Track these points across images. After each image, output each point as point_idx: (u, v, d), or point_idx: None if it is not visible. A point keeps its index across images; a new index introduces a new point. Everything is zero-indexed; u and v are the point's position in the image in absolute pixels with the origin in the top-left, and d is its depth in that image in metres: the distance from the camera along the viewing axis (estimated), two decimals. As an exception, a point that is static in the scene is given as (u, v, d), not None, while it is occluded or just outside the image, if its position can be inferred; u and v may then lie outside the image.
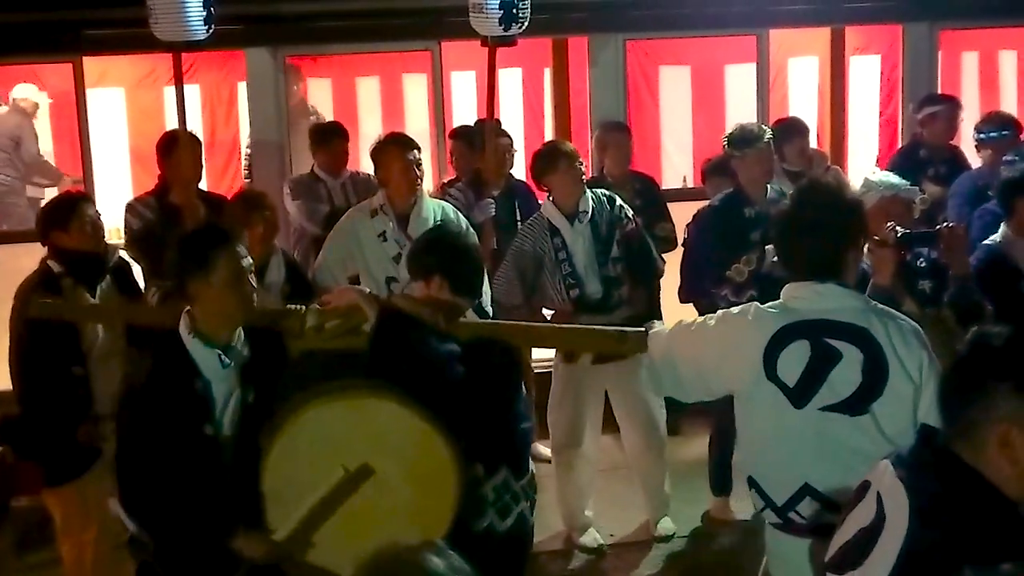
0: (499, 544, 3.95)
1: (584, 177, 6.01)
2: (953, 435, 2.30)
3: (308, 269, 6.06)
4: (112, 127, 9.31)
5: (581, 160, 6.01)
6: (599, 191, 6.06)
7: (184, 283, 3.59)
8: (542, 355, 6.81)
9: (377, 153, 5.93)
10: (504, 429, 3.98)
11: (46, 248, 5.02)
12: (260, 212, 5.58)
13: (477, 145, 7.07)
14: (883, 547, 2.26)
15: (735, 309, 3.62)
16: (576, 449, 5.99)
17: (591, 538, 6.09)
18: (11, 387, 5.00)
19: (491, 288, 5.66)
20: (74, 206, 5.01)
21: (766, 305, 3.52)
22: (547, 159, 6.00)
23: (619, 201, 6.04)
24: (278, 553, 3.57)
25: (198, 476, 3.52)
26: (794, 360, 3.39)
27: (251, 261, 3.69)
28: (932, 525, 2.19)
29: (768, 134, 6.08)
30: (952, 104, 7.52)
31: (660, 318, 6.00)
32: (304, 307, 3.89)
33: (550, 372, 6.22)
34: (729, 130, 6.22)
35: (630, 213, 6.06)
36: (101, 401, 4.89)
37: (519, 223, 6.51)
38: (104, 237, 5.09)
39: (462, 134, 7.37)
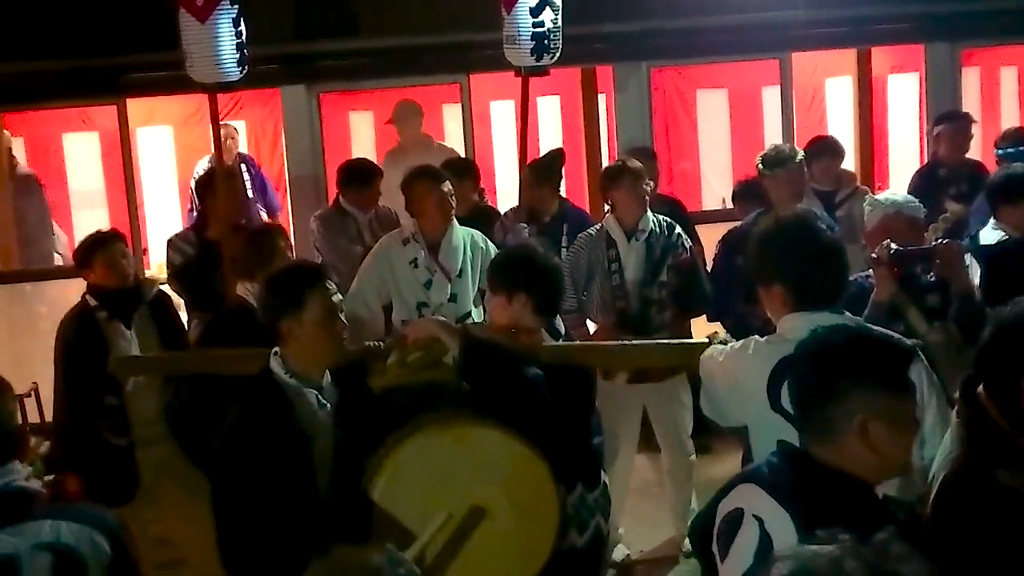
0: (578, 558, 3.97)
1: (648, 197, 6.07)
2: (810, 439, 2.45)
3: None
4: (161, 164, 9.64)
5: (649, 181, 6.08)
6: (661, 217, 6.14)
7: (276, 323, 3.51)
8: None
9: (408, 186, 6.03)
10: (580, 446, 3.98)
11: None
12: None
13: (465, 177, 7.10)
14: None
15: (737, 344, 3.67)
16: (608, 468, 6.02)
17: (620, 554, 6.16)
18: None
19: None
20: (98, 245, 5.22)
21: (764, 338, 3.57)
22: (613, 175, 6.08)
23: (678, 229, 6.10)
24: None
25: (301, 520, 3.38)
26: None
27: (341, 297, 3.64)
28: (811, 524, 2.28)
29: (800, 155, 6.03)
30: (959, 121, 7.47)
31: (691, 336, 6.10)
32: (383, 343, 3.85)
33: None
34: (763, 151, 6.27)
35: (687, 243, 6.12)
36: (136, 429, 5.11)
37: (564, 248, 6.59)
38: (130, 273, 5.27)
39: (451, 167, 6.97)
